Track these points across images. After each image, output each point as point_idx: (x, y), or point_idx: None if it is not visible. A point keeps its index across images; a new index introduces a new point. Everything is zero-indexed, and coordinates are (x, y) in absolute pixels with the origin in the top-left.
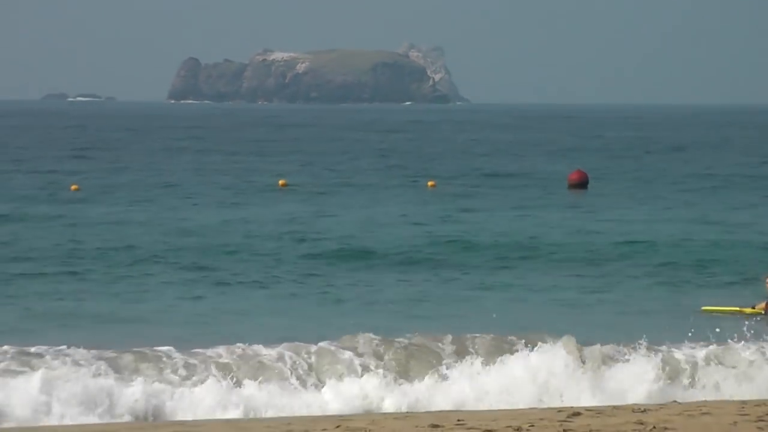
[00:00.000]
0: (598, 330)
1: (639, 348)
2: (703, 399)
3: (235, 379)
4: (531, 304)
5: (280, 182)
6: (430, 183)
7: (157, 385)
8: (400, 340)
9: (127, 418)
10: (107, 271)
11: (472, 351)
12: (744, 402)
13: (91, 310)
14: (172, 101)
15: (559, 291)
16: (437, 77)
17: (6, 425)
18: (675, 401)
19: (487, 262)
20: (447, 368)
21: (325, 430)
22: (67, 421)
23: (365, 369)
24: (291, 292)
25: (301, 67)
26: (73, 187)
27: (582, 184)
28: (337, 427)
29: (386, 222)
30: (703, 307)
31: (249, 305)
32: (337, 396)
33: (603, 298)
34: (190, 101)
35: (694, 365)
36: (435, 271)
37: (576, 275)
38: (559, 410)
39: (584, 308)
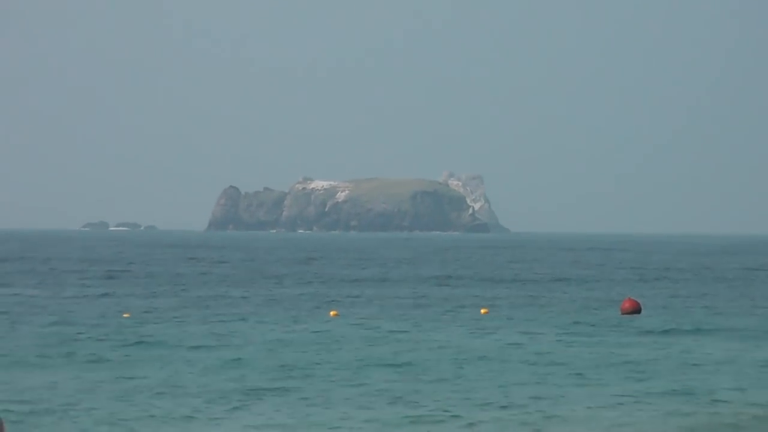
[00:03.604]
0: None
1: None
2: None
3: None
4: None
5: (332, 313)
6: (483, 310)
7: None
8: None
9: None
10: None
11: None
12: None
13: None
14: (213, 230)
15: None
16: (477, 206)
17: None
18: None
19: None
20: None
21: None
22: None
23: None
24: None
25: (341, 196)
26: (125, 315)
27: (635, 312)
28: None
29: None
30: None
31: None
32: None
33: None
34: (231, 230)
35: None
36: None
37: None
38: None
39: None
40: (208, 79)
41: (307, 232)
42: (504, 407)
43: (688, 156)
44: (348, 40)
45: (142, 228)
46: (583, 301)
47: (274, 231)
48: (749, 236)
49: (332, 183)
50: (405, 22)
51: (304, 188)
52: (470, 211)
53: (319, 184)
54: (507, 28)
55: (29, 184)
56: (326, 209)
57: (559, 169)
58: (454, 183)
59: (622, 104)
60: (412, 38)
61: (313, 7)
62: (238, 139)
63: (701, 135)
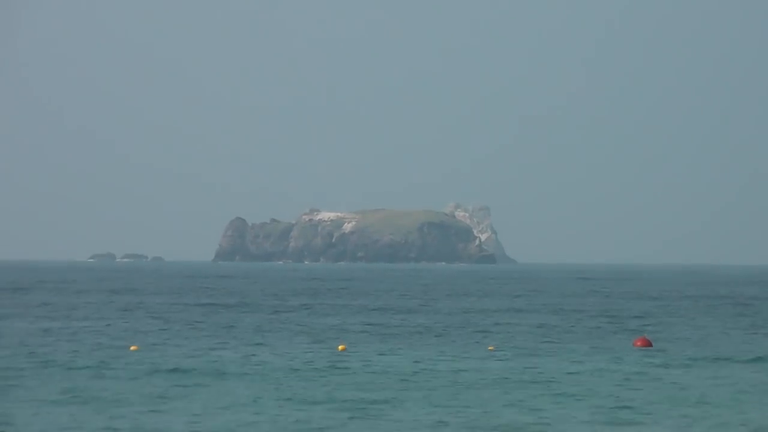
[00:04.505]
0: None
1: None
2: None
3: None
4: None
5: (340, 347)
6: (490, 348)
7: None
8: None
9: None
10: None
11: None
12: None
13: None
14: (220, 261)
15: None
16: (484, 237)
17: None
18: None
19: None
20: None
21: None
22: None
23: None
24: None
25: (347, 227)
26: (133, 347)
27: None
28: None
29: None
30: None
31: None
32: None
33: None
34: (237, 261)
35: None
36: None
37: None
38: None
39: None
40: (214, 111)
41: (314, 263)
42: None
43: (697, 188)
44: (354, 74)
45: (148, 259)
46: (595, 333)
47: (281, 262)
48: (761, 266)
49: (339, 214)
50: (410, 56)
51: (311, 219)
52: (477, 242)
53: (326, 215)
54: (515, 62)
55: (36, 215)
56: (333, 240)
57: (566, 199)
58: (460, 214)
59: (630, 137)
60: (417, 72)
61: (318, 42)
62: (244, 170)
63: (713, 167)
